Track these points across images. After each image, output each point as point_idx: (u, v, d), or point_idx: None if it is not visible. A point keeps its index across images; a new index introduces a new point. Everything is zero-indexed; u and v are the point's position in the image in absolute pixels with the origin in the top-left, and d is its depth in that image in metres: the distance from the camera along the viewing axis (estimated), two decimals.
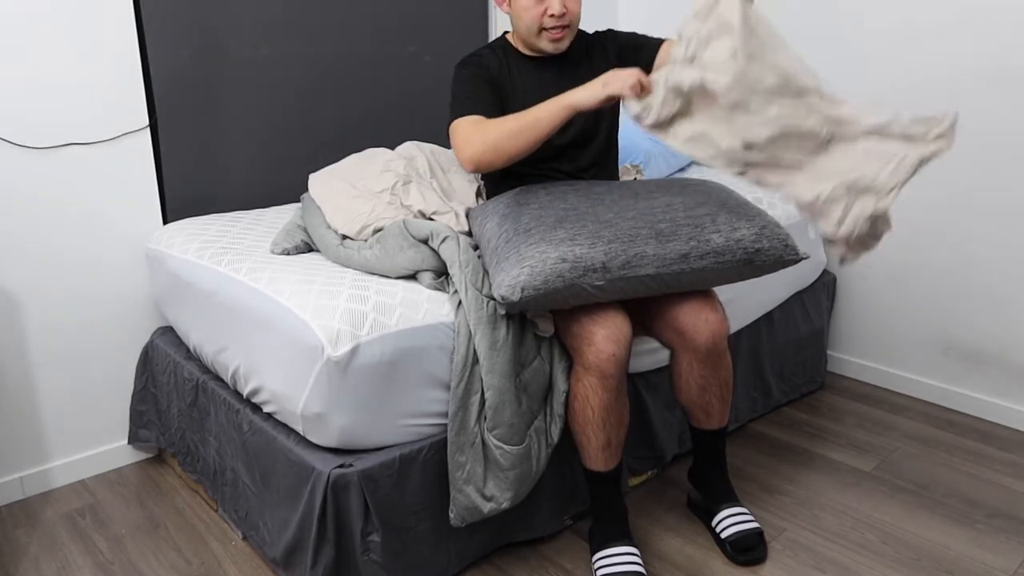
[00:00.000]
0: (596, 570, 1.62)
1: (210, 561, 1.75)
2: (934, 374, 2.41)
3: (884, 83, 2.36)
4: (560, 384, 1.62)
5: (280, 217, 2.11)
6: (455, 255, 1.59)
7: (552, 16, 1.69)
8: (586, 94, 1.52)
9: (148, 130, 2.08)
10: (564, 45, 1.76)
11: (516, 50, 1.83)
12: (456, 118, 1.71)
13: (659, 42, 1.87)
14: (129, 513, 1.95)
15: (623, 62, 1.85)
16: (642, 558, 1.63)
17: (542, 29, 1.72)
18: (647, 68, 1.85)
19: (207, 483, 1.91)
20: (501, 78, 1.78)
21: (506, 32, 1.88)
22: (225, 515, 1.89)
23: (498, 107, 1.73)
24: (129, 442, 2.17)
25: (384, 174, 1.90)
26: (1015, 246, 2.17)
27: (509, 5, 1.76)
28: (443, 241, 1.62)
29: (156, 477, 2.12)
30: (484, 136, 1.62)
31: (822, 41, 2.49)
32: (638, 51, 1.86)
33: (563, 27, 1.72)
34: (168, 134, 2.12)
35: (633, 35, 1.90)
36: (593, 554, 1.65)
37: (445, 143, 2.24)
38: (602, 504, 1.67)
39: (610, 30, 1.90)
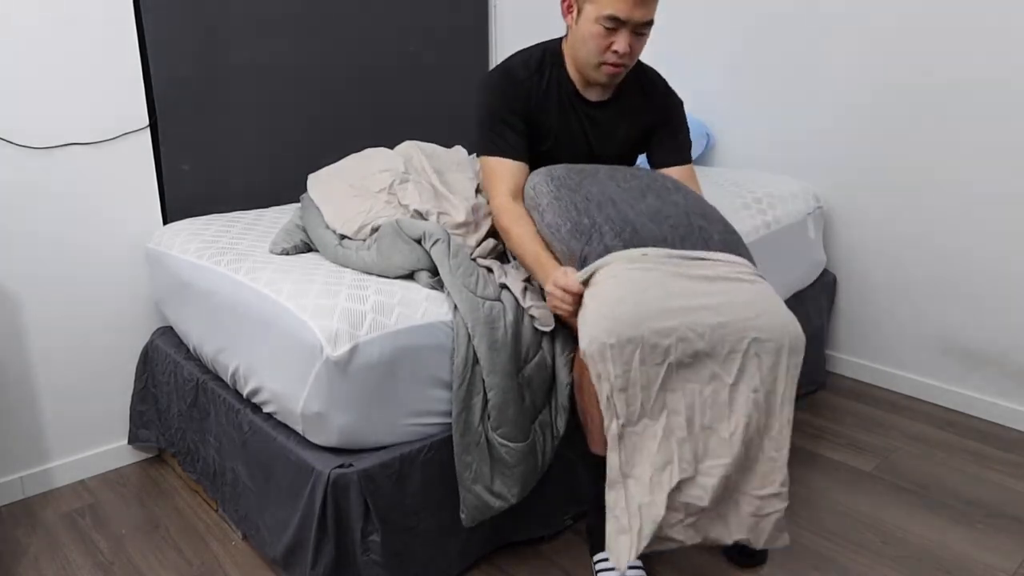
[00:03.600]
0: (597, 572, 1.61)
1: (210, 561, 1.75)
2: (934, 374, 2.41)
3: (886, 74, 2.36)
4: (563, 376, 1.62)
5: (279, 217, 2.11)
6: (445, 259, 1.59)
7: (616, 52, 1.62)
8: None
9: (148, 130, 2.08)
10: (619, 79, 1.72)
11: (568, 76, 1.75)
12: (484, 152, 1.70)
13: (686, 160, 1.84)
14: (129, 513, 1.95)
15: (654, 127, 1.84)
16: (641, 557, 1.63)
17: (602, 63, 1.65)
18: (658, 160, 1.85)
19: (207, 483, 1.91)
20: (536, 106, 1.72)
21: (561, 39, 1.78)
22: (225, 515, 1.89)
23: (524, 146, 1.70)
24: (129, 442, 2.17)
25: (382, 174, 1.90)
26: (1015, 246, 2.17)
27: (575, 21, 1.67)
28: (434, 244, 1.62)
29: (156, 477, 2.12)
30: (505, 222, 1.65)
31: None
32: (669, 140, 1.84)
33: (623, 64, 1.67)
34: (168, 134, 2.12)
35: (682, 120, 1.86)
36: (593, 553, 1.65)
37: (444, 142, 2.25)
38: (603, 497, 1.65)
39: (668, 87, 1.86)
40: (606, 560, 1.61)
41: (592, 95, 1.77)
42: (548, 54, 1.77)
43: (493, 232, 1.79)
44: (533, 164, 1.75)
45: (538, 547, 1.76)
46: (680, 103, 1.87)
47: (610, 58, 1.64)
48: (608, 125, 1.80)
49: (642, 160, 1.95)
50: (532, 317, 1.61)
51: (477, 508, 1.55)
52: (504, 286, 1.64)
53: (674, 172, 1.81)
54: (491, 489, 1.55)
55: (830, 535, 1.78)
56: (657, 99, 1.83)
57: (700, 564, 1.69)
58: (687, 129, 1.88)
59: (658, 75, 1.86)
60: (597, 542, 1.64)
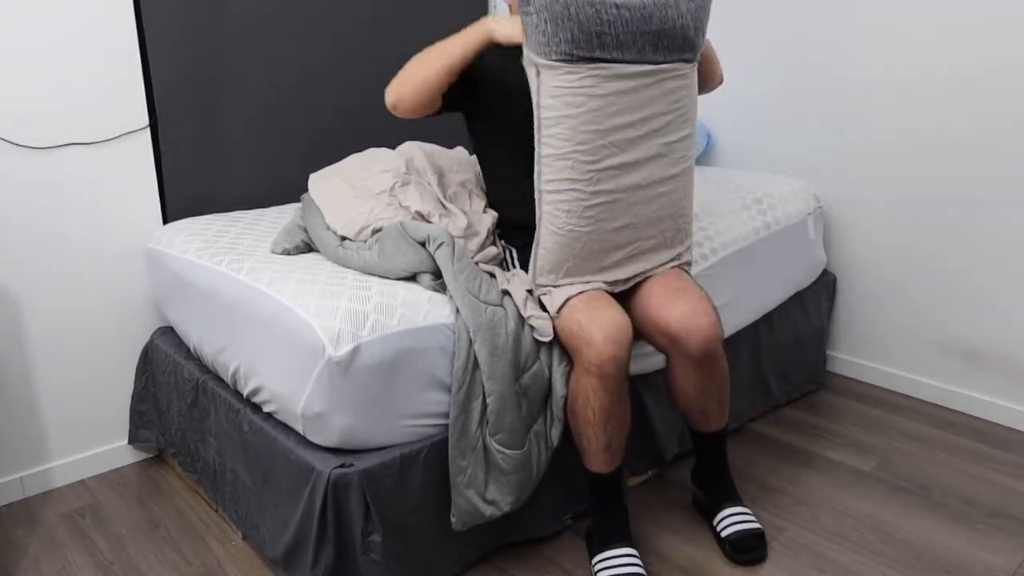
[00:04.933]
0: (596, 573, 1.61)
1: (210, 561, 1.75)
2: (934, 374, 2.42)
3: (886, 72, 2.36)
4: (559, 388, 1.62)
5: (280, 217, 2.11)
6: (449, 263, 1.59)
7: None
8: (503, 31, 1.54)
9: (148, 130, 2.08)
10: None
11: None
12: None
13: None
14: (129, 513, 1.95)
15: None
16: (641, 558, 1.63)
17: None
18: None
19: (207, 483, 1.91)
20: (486, 63, 1.71)
21: None
22: (225, 515, 1.89)
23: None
24: (129, 442, 2.17)
25: (383, 174, 1.90)
26: (1015, 246, 2.17)
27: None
28: (438, 247, 1.62)
29: (156, 477, 2.12)
30: (401, 70, 1.63)
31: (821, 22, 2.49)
32: None
33: None
34: (168, 134, 2.12)
35: None
36: (592, 556, 1.65)
37: (445, 142, 2.25)
38: (602, 506, 1.66)
39: None
40: (604, 561, 1.61)
41: None
42: None
43: (492, 239, 1.80)
44: (488, 129, 1.78)
45: (538, 547, 1.76)
46: None
47: None
48: None
49: None
50: (531, 327, 1.60)
51: (468, 513, 1.55)
52: (506, 292, 1.64)
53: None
54: (484, 496, 1.55)
55: (830, 535, 1.78)
56: None
57: (700, 563, 1.70)
58: None
59: None
60: (596, 547, 1.65)
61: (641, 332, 1.69)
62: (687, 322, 1.60)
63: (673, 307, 1.62)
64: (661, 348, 1.69)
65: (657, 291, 1.65)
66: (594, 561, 1.63)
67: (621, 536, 1.64)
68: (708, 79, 1.78)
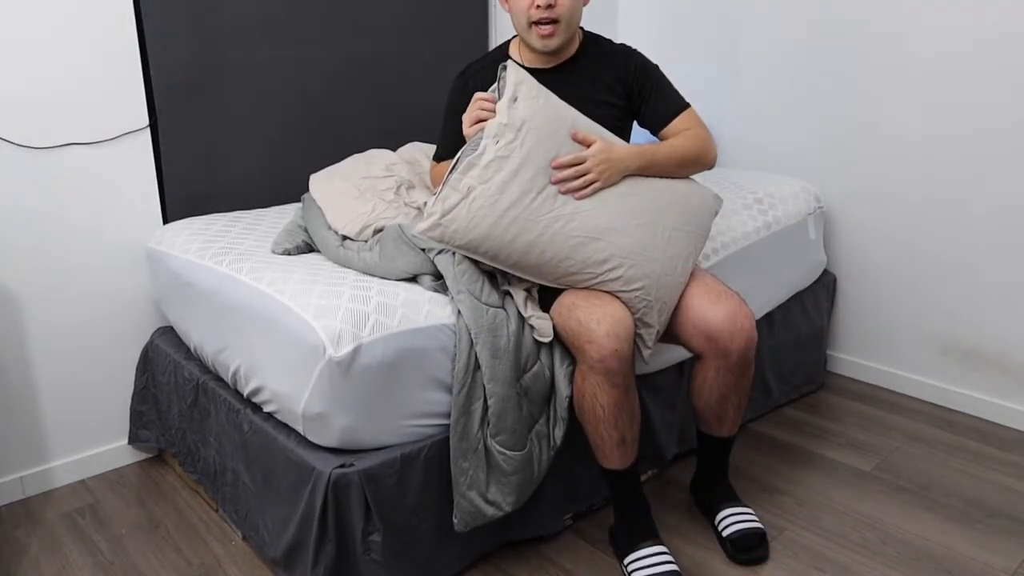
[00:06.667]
0: (630, 573, 1.60)
1: (210, 561, 1.75)
2: (934, 374, 2.42)
3: (886, 72, 2.36)
4: (563, 388, 1.62)
5: (281, 217, 2.11)
6: (449, 266, 1.59)
7: (539, 7, 1.62)
8: None
9: (148, 130, 2.08)
10: (554, 43, 1.67)
11: (515, 56, 1.78)
12: (436, 148, 1.91)
13: (680, 107, 1.74)
14: (129, 513, 1.95)
15: (632, 97, 1.77)
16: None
17: (531, 23, 1.65)
18: (653, 125, 1.77)
19: (207, 483, 1.91)
20: (480, 88, 1.69)
21: (513, 37, 1.82)
22: (225, 515, 1.89)
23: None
24: (129, 442, 2.17)
25: (386, 176, 1.91)
26: (1015, 246, 2.18)
27: (508, 4, 1.70)
28: (438, 252, 1.62)
29: (156, 477, 2.12)
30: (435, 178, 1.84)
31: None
32: (654, 100, 1.75)
33: (552, 21, 1.64)
34: (168, 134, 2.11)
35: (659, 76, 1.77)
36: (623, 556, 1.63)
37: None
38: (624, 503, 1.66)
39: (639, 53, 1.78)
40: (637, 561, 1.60)
41: (539, 63, 1.75)
42: (502, 52, 1.83)
43: None
44: None
45: (538, 547, 1.76)
46: (653, 64, 1.79)
47: (534, 15, 1.63)
48: (559, 89, 1.69)
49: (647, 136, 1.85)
50: (531, 327, 1.60)
51: (470, 514, 1.55)
52: (507, 293, 1.64)
53: (679, 122, 1.72)
54: (486, 496, 1.55)
55: (830, 535, 1.79)
56: (618, 58, 1.77)
57: (700, 563, 1.70)
58: (670, 83, 1.79)
59: (624, 44, 1.81)
60: (625, 546, 1.64)
61: (671, 333, 1.67)
62: (731, 323, 1.58)
63: (716, 308, 1.60)
64: (695, 349, 1.66)
65: (697, 292, 1.64)
66: (626, 561, 1.62)
67: (649, 532, 1.64)
68: (690, 173, 1.71)
